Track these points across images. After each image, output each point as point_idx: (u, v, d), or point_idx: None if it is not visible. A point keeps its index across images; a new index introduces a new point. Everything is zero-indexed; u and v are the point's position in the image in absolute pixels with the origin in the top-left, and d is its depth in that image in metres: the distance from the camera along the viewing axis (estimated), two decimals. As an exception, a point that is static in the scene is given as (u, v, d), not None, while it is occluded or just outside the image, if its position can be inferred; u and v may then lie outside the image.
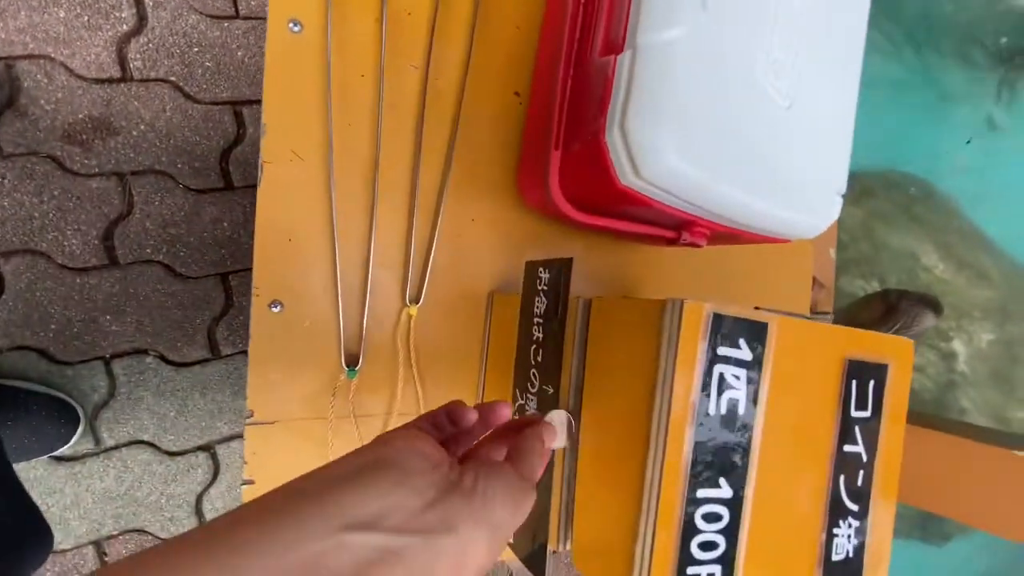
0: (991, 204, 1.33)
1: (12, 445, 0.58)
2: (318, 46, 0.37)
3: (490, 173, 0.42)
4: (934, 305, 0.84)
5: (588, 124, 0.31)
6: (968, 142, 1.33)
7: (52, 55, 0.61)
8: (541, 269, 0.31)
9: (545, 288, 0.31)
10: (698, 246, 0.35)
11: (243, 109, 0.67)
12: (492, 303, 0.41)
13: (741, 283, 0.54)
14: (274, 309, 0.36)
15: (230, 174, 0.68)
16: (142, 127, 0.64)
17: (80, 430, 0.62)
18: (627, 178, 0.29)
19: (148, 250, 0.65)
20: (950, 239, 1.37)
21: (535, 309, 0.32)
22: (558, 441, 0.28)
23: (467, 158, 0.41)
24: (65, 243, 0.62)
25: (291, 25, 0.36)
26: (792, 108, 0.32)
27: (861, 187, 1.29)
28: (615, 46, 0.30)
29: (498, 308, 0.40)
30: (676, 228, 0.35)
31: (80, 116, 0.62)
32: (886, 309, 0.87)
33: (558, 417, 0.29)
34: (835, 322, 0.74)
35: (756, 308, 0.24)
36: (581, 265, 0.45)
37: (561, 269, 0.30)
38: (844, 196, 0.35)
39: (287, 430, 0.37)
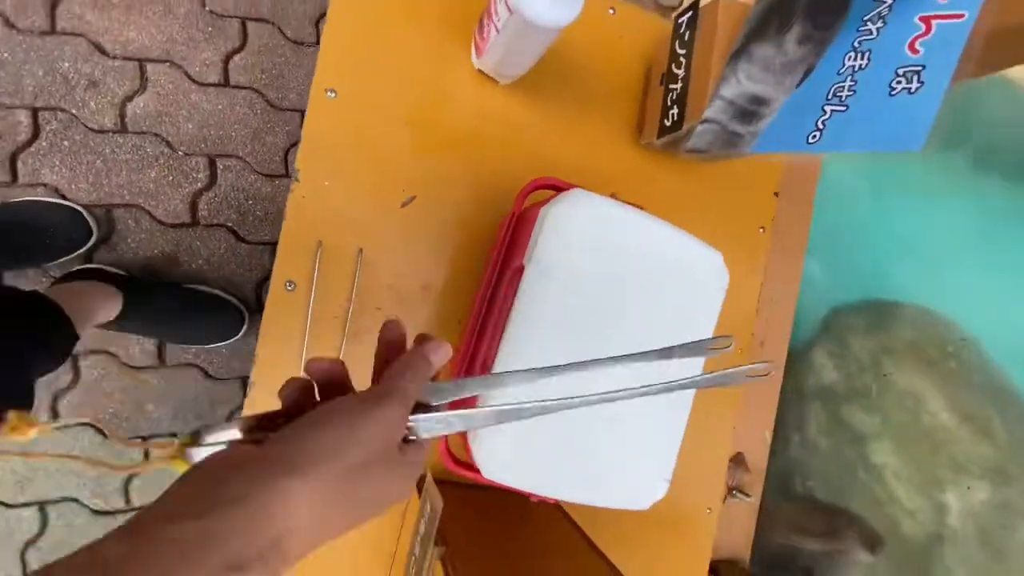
0: (1014, 348, 1.32)
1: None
2: (304, 300, 0.51)
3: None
4: (873, 545, 0.90)
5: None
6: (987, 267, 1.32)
7: (142, 205, 0.80)
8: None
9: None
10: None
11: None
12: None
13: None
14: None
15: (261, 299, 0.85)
16: (200, 261, 0.82)
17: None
18: (483, 470, 0.41)
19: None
20: (956, 387, 1.37)
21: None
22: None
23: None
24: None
25: (287, 285, 0.51)
26: (615, 420, 0.42)
27: (878, 318, 1.33)
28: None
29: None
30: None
31: (155, 252, 0.80)
32: (827, 529, 0.94)
33: None
34: (766, 508, 0.81)
35: None
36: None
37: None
38: (669, 481, 0.45)
39: None
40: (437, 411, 0.27)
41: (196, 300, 0.78)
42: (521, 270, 0.42)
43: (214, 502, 0.19)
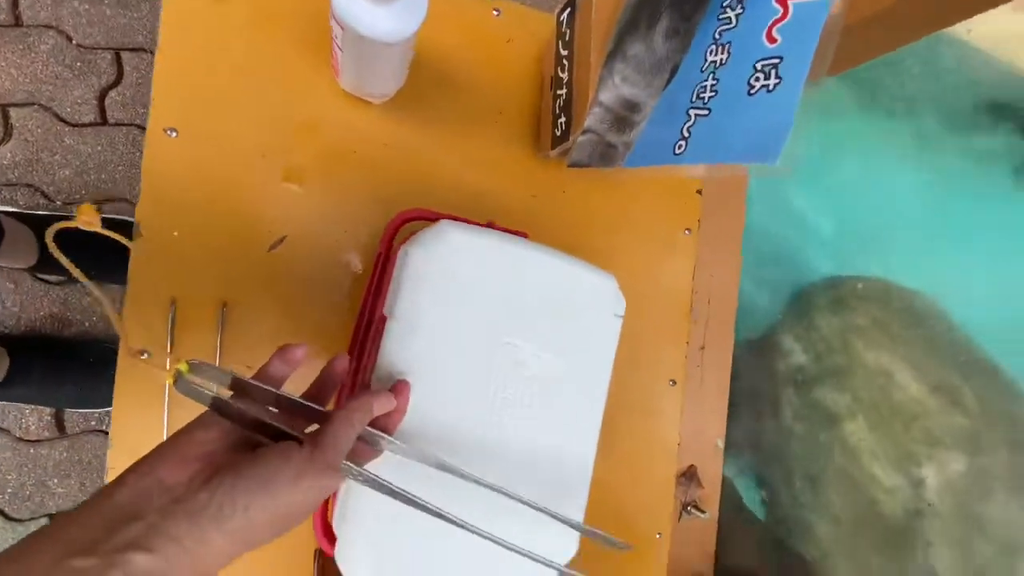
0: (978, 314, 1.31)
1: None
2: (160, 367, 0.45)
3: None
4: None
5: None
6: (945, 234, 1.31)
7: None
8: None
9: None
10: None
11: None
12: None
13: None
14: None
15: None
16: (94, 318, 0.76)
17: None
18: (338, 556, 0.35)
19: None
20: (924, 360, 1.36)
21: None
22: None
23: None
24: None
25: (141, 354, 0.45)
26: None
27: (840, 295, 1.30)
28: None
29: None
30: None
31: (41, 312, 0.74)
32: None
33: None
34: (725, 525, 0.77)
35: None
36: None
37: None
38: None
39: None
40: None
41: (90, 357, 0.72)
42: (384, 321, 0.37)
43: (168, 538, 0.22)
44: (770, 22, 0.26)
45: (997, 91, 1.19)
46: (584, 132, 0.43)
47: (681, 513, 0.73)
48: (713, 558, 0.76)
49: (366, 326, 0.40)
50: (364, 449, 0.31)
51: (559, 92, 0.51)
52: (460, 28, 0.55)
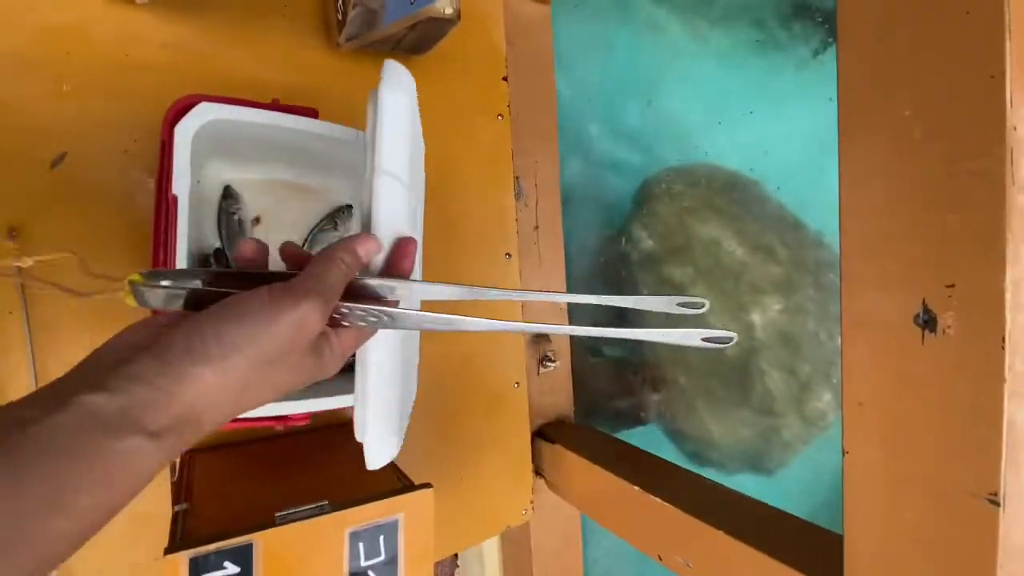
0: (777, 179, 1.54)
1: None
2: None
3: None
4: (657, 387, 1.06)
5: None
6: (751, 113, 1.52)
7: None
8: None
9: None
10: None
11: None
12: None
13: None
14: None
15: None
16: None
17: None
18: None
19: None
20: (744, 225, 1.59)
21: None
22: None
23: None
24: None
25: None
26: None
27: (671, 183, 1.47)
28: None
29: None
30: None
31: None
32: (623, 388, 1.07)
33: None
34: (578, 368, 0.88)
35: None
36: None
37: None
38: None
39: None
40: (371, 300, 0.28)
41: None
42: (176, 201, 0.39)
43: (129, 378, 0.21)
44: None
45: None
46: (355, 6, 0.46)
47: (538, 367, 0.83)
48: (572, 400, 0.88)
49: (158, 214, 0.41)
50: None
51: (333, -24, 0.52)
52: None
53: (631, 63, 1.33)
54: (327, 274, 0.25)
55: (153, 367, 0.21)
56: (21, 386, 0.43)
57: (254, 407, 0.24)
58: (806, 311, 1.65)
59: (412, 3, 0.30)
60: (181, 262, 0.38)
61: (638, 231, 1.50)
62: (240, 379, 0.23)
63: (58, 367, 0.44)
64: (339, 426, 0.55)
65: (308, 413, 0.42)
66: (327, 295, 0.25)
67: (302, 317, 0.24)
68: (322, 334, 0.26)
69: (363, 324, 0.28)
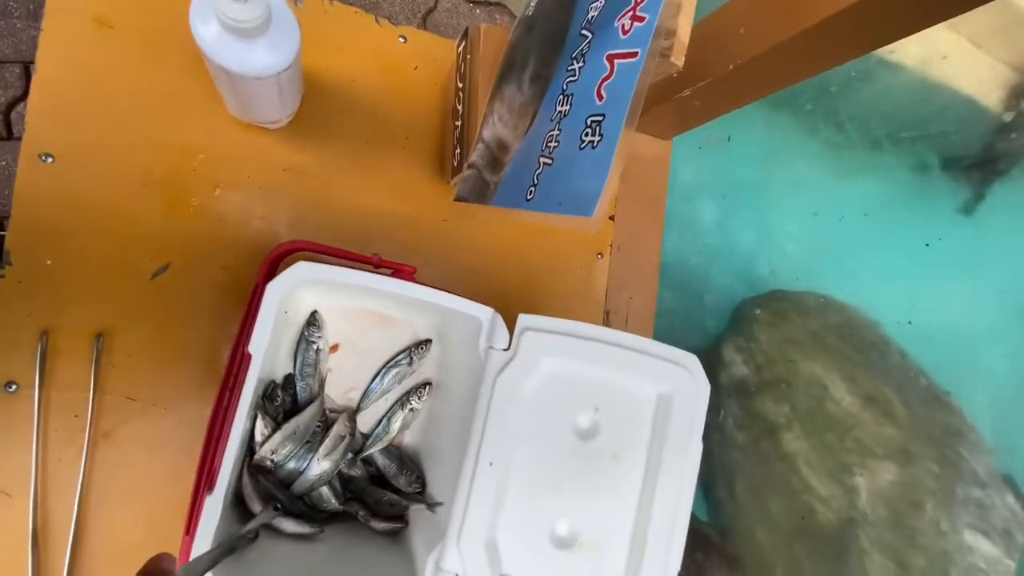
0: (909, 328, 1.35)
1: None
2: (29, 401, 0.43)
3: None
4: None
5: None
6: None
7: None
8: None
9: None
10: None
11: None
12: None
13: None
14: None
15: None
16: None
17: None
18: None
19: None
20: (857, 371, 1.40)
21: None
22: None
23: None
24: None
25: (7, 387, 0.43)
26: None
27: (780, 309, 1.34)
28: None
29: None
30: None
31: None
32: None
33: None
34: None
35: None
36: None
37: None
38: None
39: None
40: None
41: None
42: (249, 358, 0.37)
43: None
44: (600, 79, 0.26)
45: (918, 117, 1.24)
46: (469, 166, 0.44)
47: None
48: None
49: (232, 363, 0.39)
50: None
51: (456, 123, 0.51)
52: (365, 55, 0.55)
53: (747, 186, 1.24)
54: None
55: None
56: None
57: None
58: (925, 489, 1.40)
59: (560, 204, 0.26)
60: (236, 430, 0.35)
61: (731, 354, 1.37)
62: None
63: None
64: None
65: None
66: None
67: None
68: None
69: None
